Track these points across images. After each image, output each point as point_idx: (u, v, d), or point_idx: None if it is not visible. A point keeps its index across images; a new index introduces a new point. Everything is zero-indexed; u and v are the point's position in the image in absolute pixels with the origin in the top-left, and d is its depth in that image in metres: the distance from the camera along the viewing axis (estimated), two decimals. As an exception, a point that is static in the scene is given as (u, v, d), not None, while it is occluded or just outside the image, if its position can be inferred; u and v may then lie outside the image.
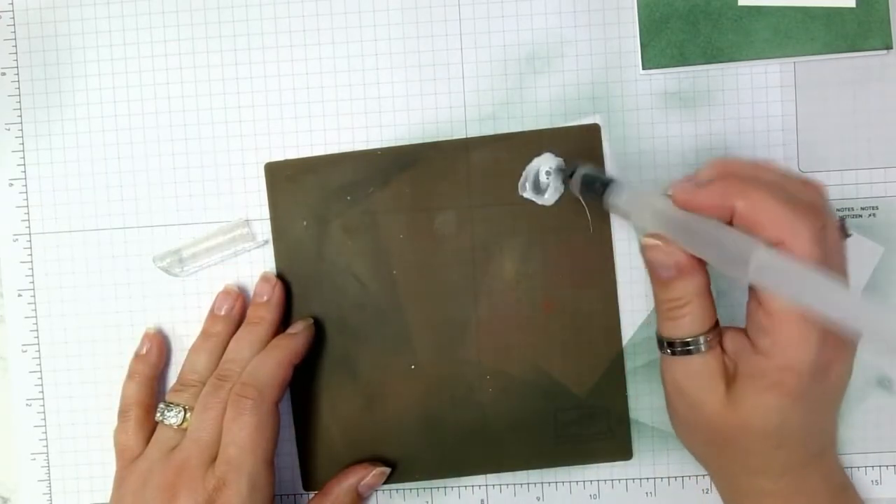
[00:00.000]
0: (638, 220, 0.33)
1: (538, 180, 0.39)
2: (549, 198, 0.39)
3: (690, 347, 0.31)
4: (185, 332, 0.40)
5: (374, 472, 0.38)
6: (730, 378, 0.31)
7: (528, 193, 0.39)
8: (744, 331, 0.31)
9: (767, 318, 0.29)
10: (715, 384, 0.31)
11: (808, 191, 0.30)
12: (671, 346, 0.32)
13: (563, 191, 0.39)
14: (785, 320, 0.28)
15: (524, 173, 0.39)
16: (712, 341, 0.31)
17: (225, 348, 0.38)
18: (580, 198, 0.37)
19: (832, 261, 0.29)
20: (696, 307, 0.31)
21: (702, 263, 0.31)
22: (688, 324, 0.31)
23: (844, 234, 0.31)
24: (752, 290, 0.30)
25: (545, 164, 0.39)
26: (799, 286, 0.27)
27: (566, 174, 0.38)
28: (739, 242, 0.28)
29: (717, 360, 0.31)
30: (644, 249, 0.32)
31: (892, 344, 0.25)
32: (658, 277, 0.31)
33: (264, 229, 0.40)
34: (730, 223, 0.29)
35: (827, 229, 0.29)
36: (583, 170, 0.36)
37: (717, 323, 0.32)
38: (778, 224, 0.28)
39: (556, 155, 0.39)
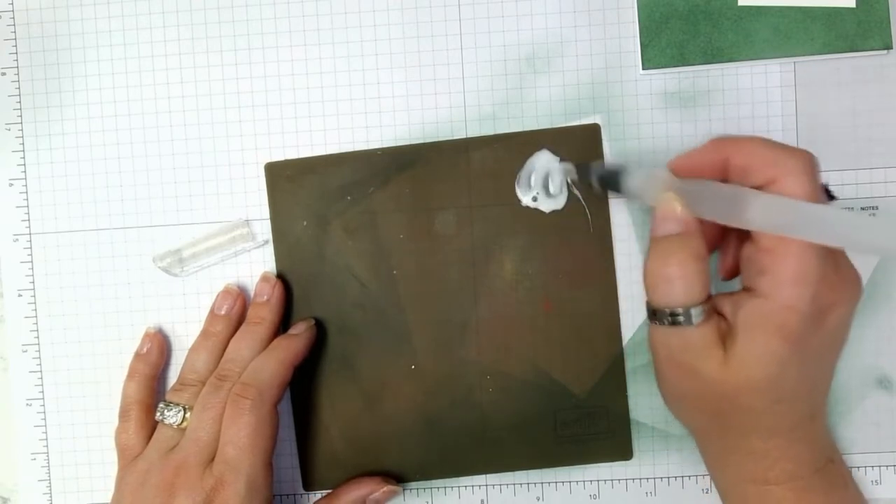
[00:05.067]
0: (649, 198, 0.33)
1: (544, 184, 0.39)
2: (549, 203, 0.39)
3: (684, 317, 0.30)
4: (185, 332, 0.40)
5: (385, 488, 0.38)
6: (728, 340, 0.31)
7: (528, 199, 0.39)
8: (736, 292, 0.31)
9: (767, 256, 0.29)
10: (712, 351, 0.30)
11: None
12: (666, 316, 0.31)
13: (566, 195, 0.39)
14: (784, 253, 0.29)
15: (518, 184, 0.39)
16: (707, 313, 0.30)
17: (225, 348, 0.38)
18: (581, 197, 0.37)
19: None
20: (691, 271, 0.30)
21: (700, 233, 0.31)
22: (681, 289, 0.30)
23: (829, 196, 0.32)
24: (747, 238, 0.31)
25: (542, 168, 0.39)
26: (793, 219, 0.28)
27: (577, 174, 0.38)
28: (733, 194, 0.29)
29: (713, 329, 0.31)
30: (659, 203, 0.31)
31: (877, 248, 0.27)
32: (660, 231, 0.31)
33: (264, 229, 0.40)
34: (725, 181, 0.31)
35: (815, 166, 0.30)
36: (597, 169, 0.36)
37: (709, 297, 0.31)
38: (768, 163, 0.30)
39: (554, 154, 0.39)
